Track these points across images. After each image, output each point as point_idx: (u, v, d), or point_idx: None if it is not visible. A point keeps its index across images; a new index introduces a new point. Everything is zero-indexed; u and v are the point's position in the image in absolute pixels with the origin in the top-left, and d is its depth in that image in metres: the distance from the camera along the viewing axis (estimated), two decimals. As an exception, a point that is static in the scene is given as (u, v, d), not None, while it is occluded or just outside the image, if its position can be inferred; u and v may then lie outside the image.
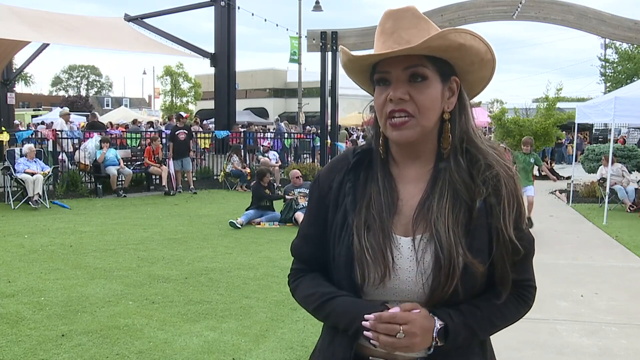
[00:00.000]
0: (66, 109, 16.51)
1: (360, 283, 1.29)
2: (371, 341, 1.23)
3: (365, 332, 1.23)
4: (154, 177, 13.52)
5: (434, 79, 1.30)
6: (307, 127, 26.29)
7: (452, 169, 1.31)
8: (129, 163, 13.40)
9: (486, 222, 1.29)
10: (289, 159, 17.83)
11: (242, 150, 15.52)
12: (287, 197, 9.55)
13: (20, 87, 58.65)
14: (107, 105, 62.03)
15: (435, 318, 1.25)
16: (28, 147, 11.12)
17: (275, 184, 11.44)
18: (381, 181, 1.35)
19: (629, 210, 11.10)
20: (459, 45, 1.27)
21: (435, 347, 1.25)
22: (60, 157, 13.01)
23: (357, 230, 1.31)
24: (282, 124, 24.75)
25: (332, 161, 1.48)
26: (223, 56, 18.46)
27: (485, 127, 26.44)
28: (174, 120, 15.87)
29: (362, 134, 25.96)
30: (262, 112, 47.89)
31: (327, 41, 12.12)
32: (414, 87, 1.29)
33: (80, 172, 12.93)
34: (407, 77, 1.29)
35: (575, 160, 16.94)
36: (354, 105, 39.27)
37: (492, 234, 1.28)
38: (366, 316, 1.23)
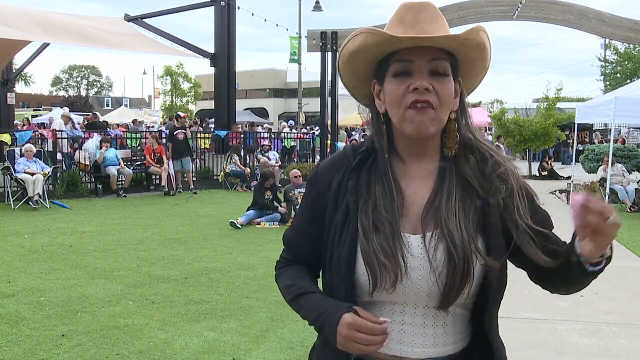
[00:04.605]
0: (68, 112, 16.51)
1: (371, 287, 1.26)
2: None
3: None
4: (154, 177, 13.52)
5: (451, 76, 1.30)
6: (313, 127, 26.25)
7: (462, 167, 1.31)
8: (129, 163, 13.40)
9: (500, 218, 1.28)
10: (293, 157, 17.86)
11: (242, 150, 15.52)
12: (285, 203, 9.58)
13: (20, 87, 58.62)
14: (107, 105, 62.03)
15: None
16: (27, 146, 11.12)
17: (276, 184, 11.41)
18: (386, 180, 1.32)
19: (629, 211, 11.10)
20: (483, 46, 1.29)
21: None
22: (58, 157, 12.98)
23: (364, 232, 1.27)
24: (284, 123, 24.91)
25: (332, 158, 1.44)
26: (223, 56, 18.47)
27: (485, 127, 26.45)
28: (174, 120, 15.91)
29: (363, 133, 25.92)
30: (262, 112, 47.88)
31: (327, 41, 12.11)
32: (436, 81, 1.27)
33: (80, 172, 12.93)
34: (429, 70, 1.28)
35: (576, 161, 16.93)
36: (354, 105, 39.13)
37: (509, 228, 1.28)
38: (575, 197, 1.18)
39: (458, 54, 1.30)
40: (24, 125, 18.80)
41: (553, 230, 1.39)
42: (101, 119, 20.53)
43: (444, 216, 1.26)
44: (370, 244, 1.26)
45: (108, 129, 17.59)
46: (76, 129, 16.47)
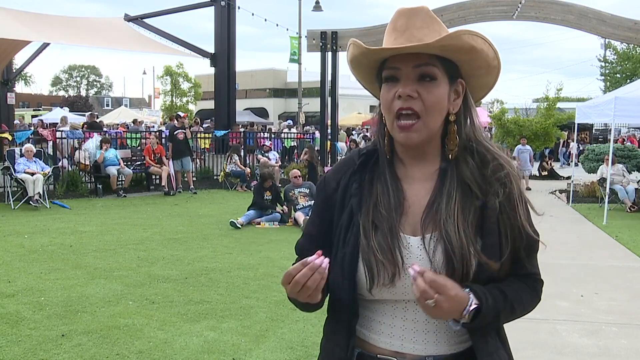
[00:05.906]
0: (78, 125, 16.48)
1: (369, 284, 1.28)
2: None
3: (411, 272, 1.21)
4: (154, 177, 13.52)
5: (442, 80, 1.30)
6: (311, 127, 26.24)
7: (461, 170, 1.32)
8: (129, 163, 13.40)
9: (497, 220, 1.29)
10: (293, 157, 17.85)
11: (242, 150, 15.52)
12: (286, 204, 9.58)
13: (20, 87, 58.57)
14: (107, 105, 61.98)
15: (471, 296, 1.24)
16: (27, 146, 11.11)
17: (276, 184, 11.42)
18: (387, 181, 1.35)
19: (629, 210, 11.10)
20: (470, 48, 1.28)
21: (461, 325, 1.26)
22: (60, 163, 12.90)
23: (364, 231, 1.30)
24: (285, 123, 24.95)
25: (339, 162, 1.49)
26: (223, 56, 18.48)
27: (485, 127, 26.38)
28: (174, 120, 15.92)
29: (364, 134, 25.91)
30: (262, 112, 47.88)
31: (327, 41, 12.11)
32: (423, 86, 1.29)
33: (80, 172, 12.92)
34: (417, 76, 1.29)
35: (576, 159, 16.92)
36: (354, 106, 39.28)
37: (505, 231, 1.29)
38: (412, 266, 1.21)
39: (450, 57, 1.30)
40: None
41: (536, 254, 1.40)
42: (98, 119, 20.49)
43: (442, 219, 1.27)
44: (369, 242, 1.28)
45: (106, 130, 17.56)
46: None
